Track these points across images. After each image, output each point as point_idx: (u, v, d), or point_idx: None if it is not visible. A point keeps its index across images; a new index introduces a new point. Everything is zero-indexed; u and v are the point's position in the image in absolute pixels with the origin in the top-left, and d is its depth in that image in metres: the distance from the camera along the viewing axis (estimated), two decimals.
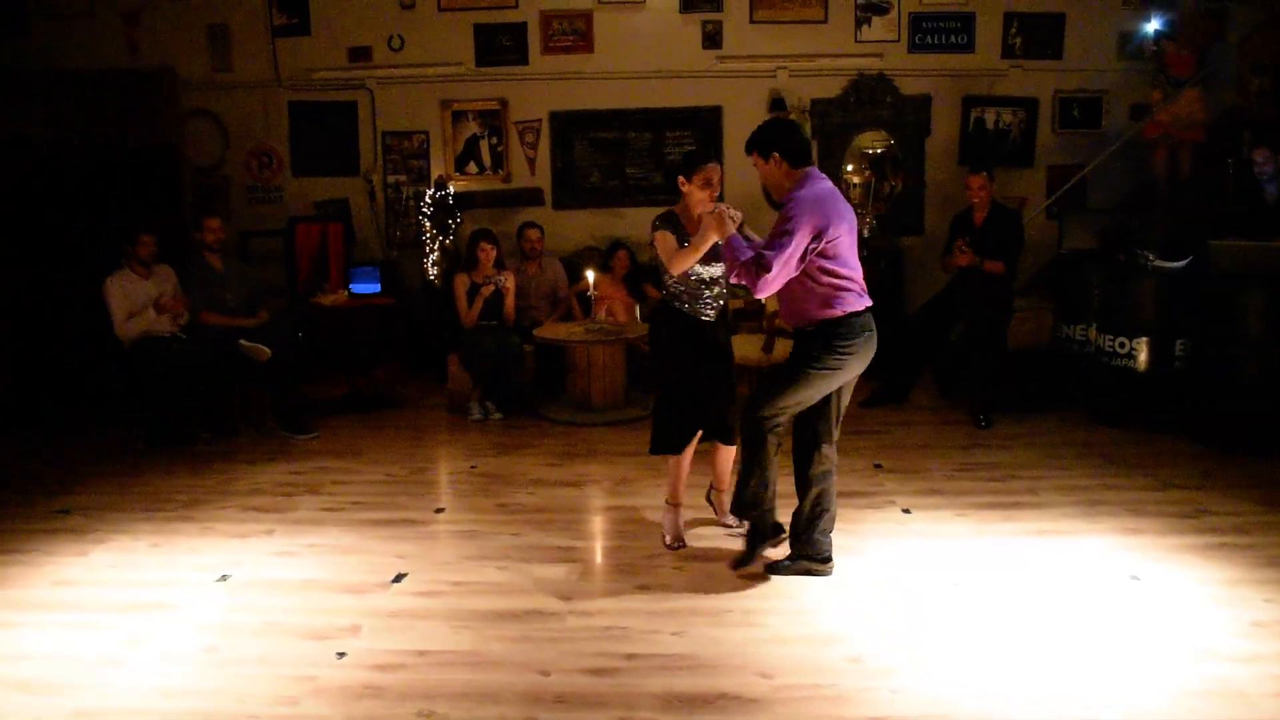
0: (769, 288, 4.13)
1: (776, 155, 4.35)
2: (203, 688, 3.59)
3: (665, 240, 4.71)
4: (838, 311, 4.26)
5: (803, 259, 4.14)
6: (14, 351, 7.80)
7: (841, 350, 4.27)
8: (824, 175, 4.38)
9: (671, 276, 4.74)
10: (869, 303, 4.40)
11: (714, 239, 4.43)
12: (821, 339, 4.27)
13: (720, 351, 4.91)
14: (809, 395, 4.37)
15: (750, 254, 4.17)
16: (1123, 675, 3.50)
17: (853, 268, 4.31)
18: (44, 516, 5.53)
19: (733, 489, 4.73)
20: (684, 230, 4.75)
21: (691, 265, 4.62)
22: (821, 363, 4.27)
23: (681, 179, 4.78)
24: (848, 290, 4.28)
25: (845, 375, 4.38)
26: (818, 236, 4.12)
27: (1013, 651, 3.69)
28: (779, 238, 4.10)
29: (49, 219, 8.90)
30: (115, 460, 6.64)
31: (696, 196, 4.72)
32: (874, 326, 4.40)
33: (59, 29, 9.28)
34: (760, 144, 4.41)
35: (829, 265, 4.21)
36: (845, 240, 4.24)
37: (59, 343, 8.16)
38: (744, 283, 4.20)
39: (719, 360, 4.89)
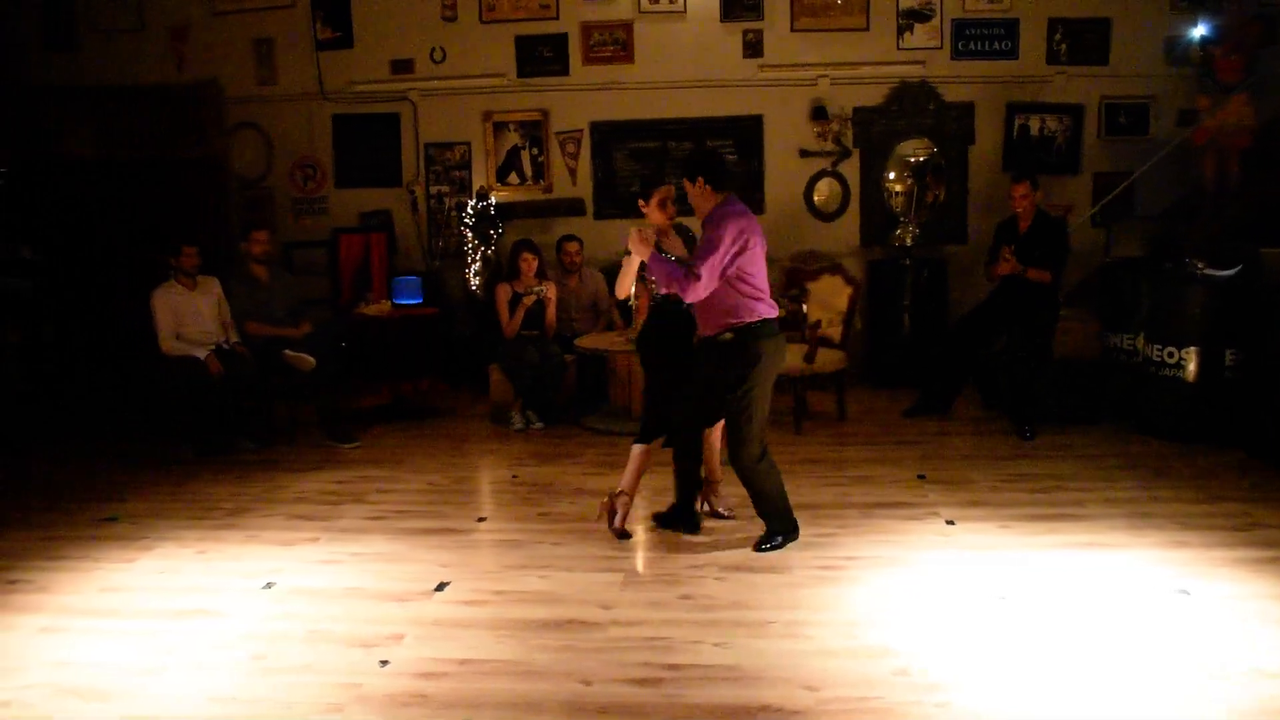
0: (698, 294, 4.65)
1: (701, 179, 4.82)
2: (248, 694, 3.62)
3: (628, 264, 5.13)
4: (754, 317, 4.76)
5: (727, 268, 4.66)
6: (64, 362, 7.92)
7: (759, 349, 4.77)
8: (740, 201, 4.92)
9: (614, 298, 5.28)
10: (777, 311, 4.93)
11: (639, 259, 4.94)
12: (740, 346, 4.77)
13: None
14: (765, 405, 4.91)
15: (677, 265, 4.75)
16: (1172, 692, 3.43)
17: (765, 280, 4.87)
18: (92, 524, 5.61)
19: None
20: (660, 247, 5.03)
21: (630, 283, 5.27)
22: (749, 377, 4.78)
23: (641, 201, 5.17)
24: (759, 300, 4.79)
25: (771, 370, 4.88)
26: (741, 249, 4.67)
27: (1060, 666, 3.64)
28: (706, 248, 4.66)
29: (98, 233, 9.07)
30: (162, 469, 6.73)
31: (655, 217, 5.11)
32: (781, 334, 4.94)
33: (107, 44, 9.44)
34: (689, 169, 4.89)
35: (747, 276, 4.73)
36: (760, 254, 4.82)
37: (107, 354, 8.30)
38: (674, 290, 4.75)
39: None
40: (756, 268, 4.78)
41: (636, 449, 5.18)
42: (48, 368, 7.26)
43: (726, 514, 5.40)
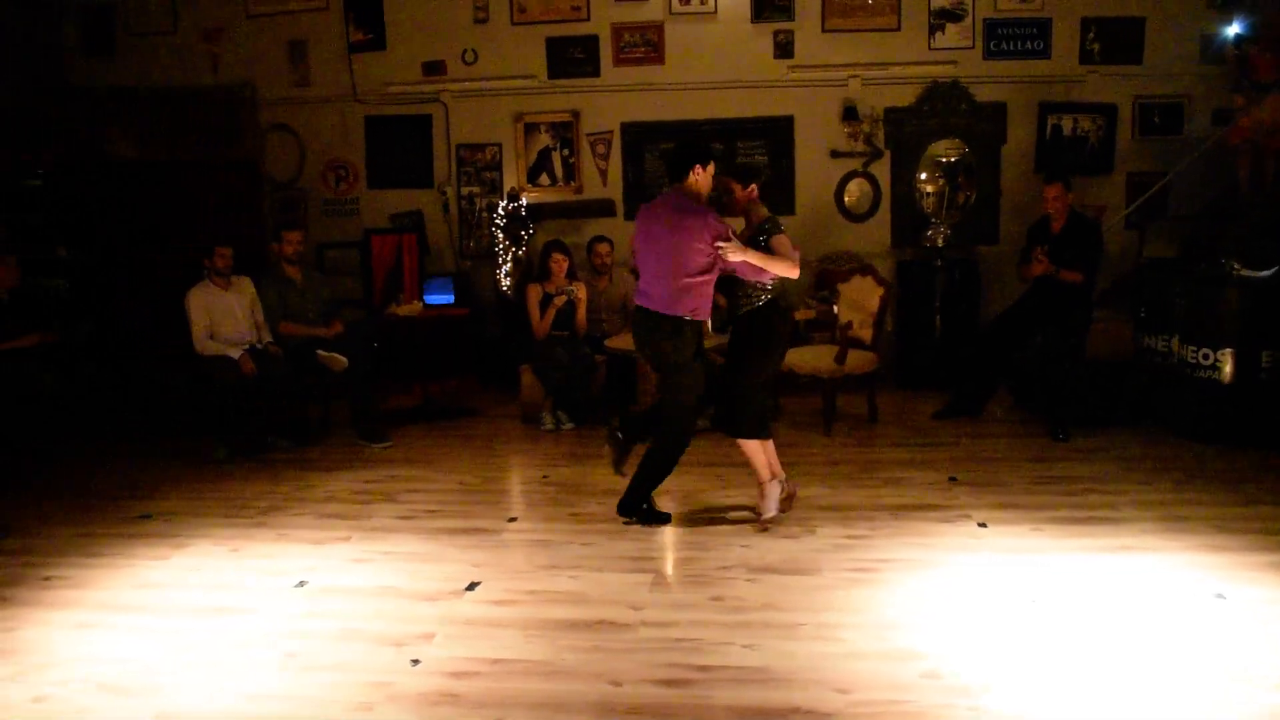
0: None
1: (754, 186, 5.31)
2: (281, 692, 3.65)
3: (782, 242, 5.15)
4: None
5: None
6: (100, 361, 8.02)
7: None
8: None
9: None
10: None
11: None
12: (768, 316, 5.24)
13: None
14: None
15: (764, 255, 5.06)
16: (1208, 698, 3.40)
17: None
18: (127, 521, 5.69)
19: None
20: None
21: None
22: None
23: (739, 186, 5.33)
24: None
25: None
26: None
27: (1094, 671, 3.61)
28: (782, 242, 5.11)
29: (134, 233, 9.18)
30: (196, 467, 6.80)
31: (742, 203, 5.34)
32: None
33: (144, 47, 9.57)
34: (744, 176, 5.36)
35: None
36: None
37: (143, 353, 8.39)
38: (779, 272, 5.08)
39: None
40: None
41: (751, 444, 5.30)
42: (84, 366, 7.34)
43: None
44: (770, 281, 5.20)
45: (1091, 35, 8.83)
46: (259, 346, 7.18)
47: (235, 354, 6.97)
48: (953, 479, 6.05)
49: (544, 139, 9.47)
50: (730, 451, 5.64)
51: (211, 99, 9.51)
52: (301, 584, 4.67)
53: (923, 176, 8.70)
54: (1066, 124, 8.98)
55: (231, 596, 4.54)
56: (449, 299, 8.55)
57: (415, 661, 3.84)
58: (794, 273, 5.10)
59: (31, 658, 3.96)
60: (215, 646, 4.03)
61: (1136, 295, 7.80)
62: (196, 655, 3.95)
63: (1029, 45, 8.90)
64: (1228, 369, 6.68)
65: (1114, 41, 8.81)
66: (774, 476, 5.34)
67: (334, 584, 4.68)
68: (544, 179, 9.52)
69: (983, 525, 5.21)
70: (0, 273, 7.03)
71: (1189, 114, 8.84)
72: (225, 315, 7.16)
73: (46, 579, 4.80)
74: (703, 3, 9.05)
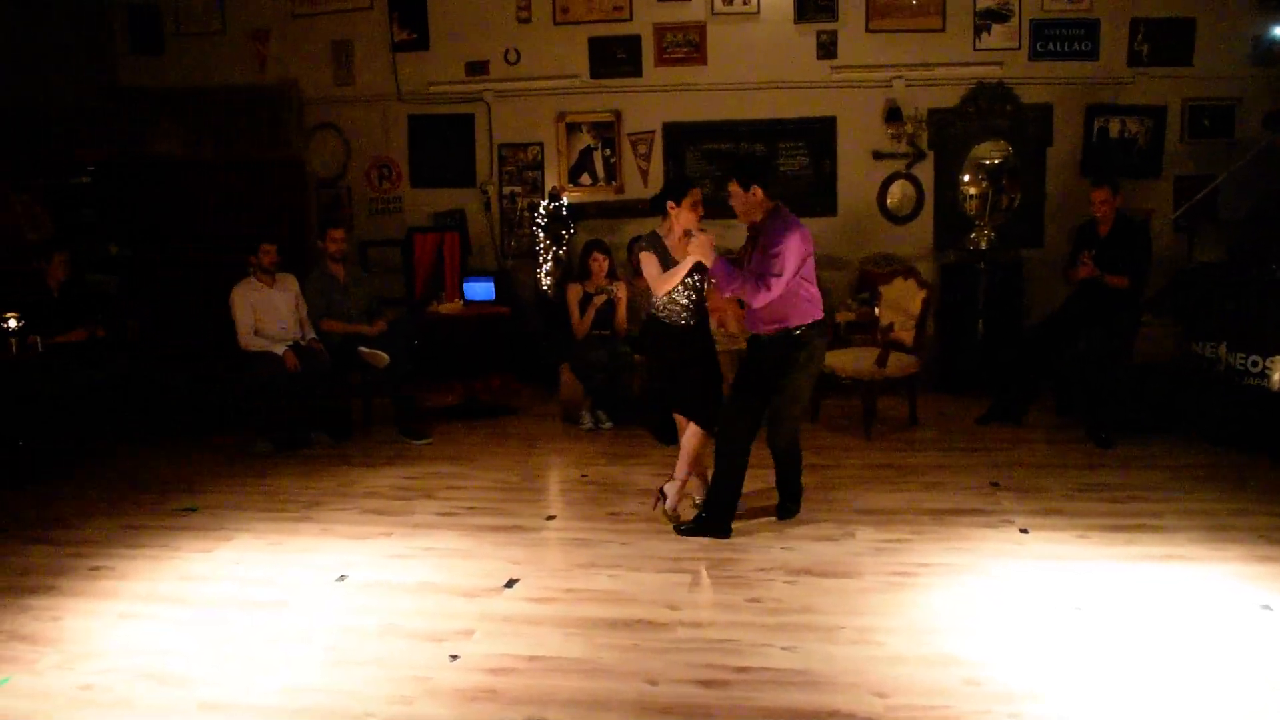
0: (766, 300, 4.90)
1: (757, 187, 5.01)
2: (321, 685, 3.69)
3: (650, 261, 5.21)
4: (810, 319, 5.08)
5: (791, 279, 4.90)
6: (148, 356, 8.12)
7: (814, 345, 5.13)
8: (789, 210, 5.11)
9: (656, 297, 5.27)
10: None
11: (696, 261, 5.04)
12: (794, 342, 5.05)
13: (709, 351, 5.48)
14: (807, 395, 5.38)
15: (745, 273, 4.96)
16: (1251, 710, 3.35)
17: (816, 284, 5.17)
18: (172, 514, 5.77)
19: (693, 483, 5.48)
20: (665, 250, 5.24)
21: (674, 287, 5.16)
22: (802, 365, 5.09)
23: (671, 203, 5.25)
24: (814, 303, 5.11)
25: (819, 362, 5.32)
26: (803, 260, 4.94)
27: (1137, 681, 3.56)
28: (775, 259, 4.86)
29: (182, 230, 9.31)
30: (239, 462, 6.88)
31: (685, 218, 5.19)
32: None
33: (192, 47, 9.71)
34: (743, 174, 5.07)
35: (805, 283, 5.04)
36: (812, 261, 5.08)
37: (189, 349, 8.50)
38: (740, 295, 5.01)
39: (708, 358, 5.45)
40: (811, 275, 5.09)
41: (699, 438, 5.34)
42: (131, 361, 7.44)
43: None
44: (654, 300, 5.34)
45: (1140, 36, 8.71)
46: (302, 343, 7.25)
47: (279, 350, 7.04)
48: (994, 484, 5.99)
49: (585, 139, 9.49)
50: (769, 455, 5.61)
51: (258, 98, 9.62)
52: (342, 579, 4.71)
53: (965, 179, 8.64)
54: (1114, 126, 8.86)
55: (273, 590, 4.59)
56: (490, 297, 8.59)
57: (454, 657, 3.86)
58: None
59: (77, 646, 4.03)
60: (256, 639, 4.08)
61: (1183, 300, 7.69)
62: (238, 647, 4.00)
63: (1076, 46, 8.80)
64: (1277, 377, 6.57)
65: (1163, 42, 8.69)
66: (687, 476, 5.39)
67: (374, 579, 4.72)
68: (585, 179, 9.54)
69: (1024, 531, 5.16)
70: (52, 269, 7.17)
71: (1239, 116, 8.69)
72: (270, 312, 7.24)
73: (92, 569, 4.88)
74: (745, 3, 9.03)
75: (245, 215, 9.20)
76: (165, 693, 3.63)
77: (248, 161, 9.56)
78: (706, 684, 3.62)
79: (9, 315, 6.59)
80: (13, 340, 6.59)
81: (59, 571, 4.85)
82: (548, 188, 9.36)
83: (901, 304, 7.61)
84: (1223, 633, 3.95)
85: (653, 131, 9.39)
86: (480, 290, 8.60)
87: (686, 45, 9.18)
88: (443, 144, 9.65)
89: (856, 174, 9.15)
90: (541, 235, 9.04)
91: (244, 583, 4.71)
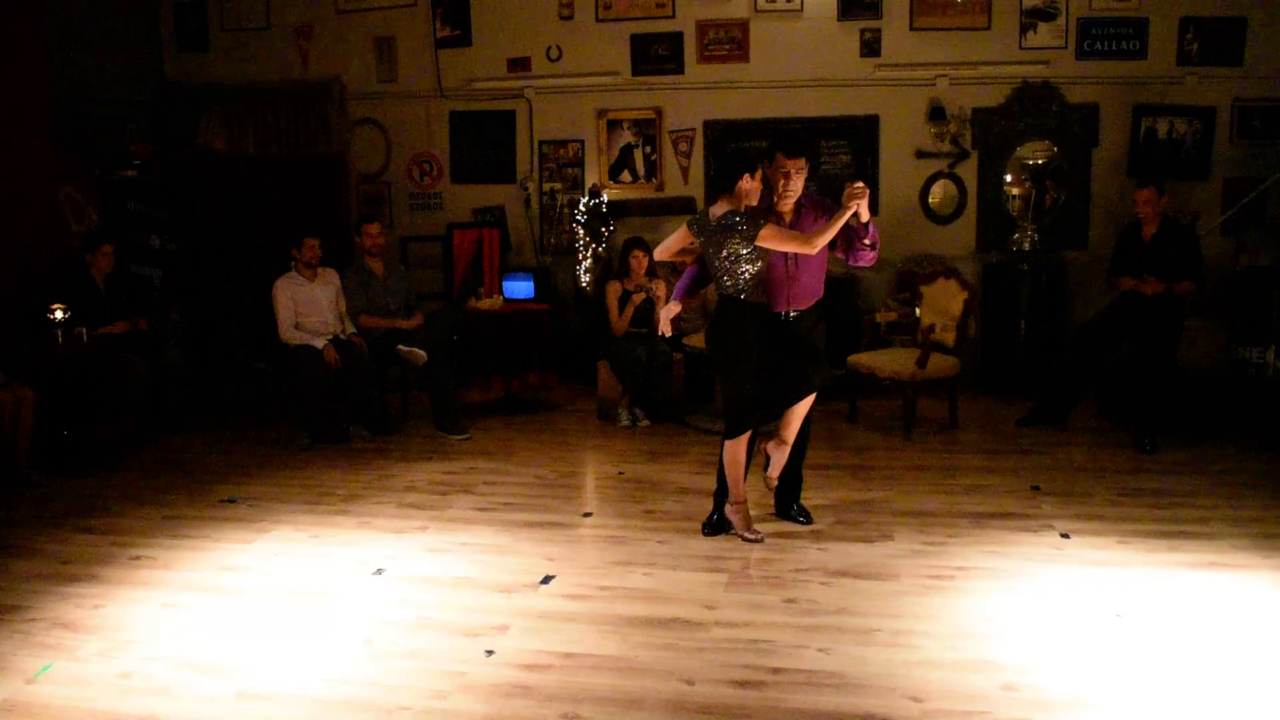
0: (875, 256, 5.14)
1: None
2: (357, 676, 3.70)
3: (683, 237, 5.32)
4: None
5: None
6: (191, 348, 8.22)
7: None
8: None
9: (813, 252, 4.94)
10: None
11: (851, 211, 4.78)
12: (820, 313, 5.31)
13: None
14: None
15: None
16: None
17: None
18: (213, 505, 5.82)
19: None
20: (712, 230, 4.97)
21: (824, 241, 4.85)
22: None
23: (747, 175, 4.87)
24: None
25: None
26: None
27: (1180, 691, 3.49)
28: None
29: (226, 224, 9.41)
30: (280, 454, 6.95)
31: (754, 193, 4.94)
32: None
33: (236, 42, 9.83)
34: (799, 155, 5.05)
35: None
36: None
37: (231, 341, 8.59)
38: (877, 245, 5.03)
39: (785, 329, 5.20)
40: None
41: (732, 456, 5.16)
42: (174, 353, 7.53)
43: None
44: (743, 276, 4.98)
45: (1190, 35, 8.58)
46: (343, 337, 7.30)
47: (319, 344, 7.09)
48: (1035, 488, 5.92)
49: (626, 136, 9.49)
50: (810, 454, 5.57)
51: (301, 94, 9.70)
52: (380, 572, 4.73)
53: (1009, 179, 8.55)
54: (1162, 127, 8.73)
55: (312, 582, 4.62)
56: (529, 294, 8.62)
57: (489, 652, 3.86)
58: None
59: (118, 635, 4.08)
60: (295, 630, 4.10)
61: (1231, 305, 7.57)
62: (277, 638, 4.03)
63: (1124, 45, 8.68)
64: None
65: (1213, 42, 8.55)
66: (737, 500, 5.16)
67: (411, 573, 4.74)
68: (625, 176, 9.54)
69: (1065, 536, 5.09)
70: (97, 261, 7.26)
71: None
72: (310, 306, 7.29)
73: (134, 558, 4.93)
74: (789, 1, 8.98)
75: (288, 209, 9.29)
76: (204, 681, 3.66)
77: (290, 157, 9.64)
78: (741, 684, 3.60)
79: (56, 307, 6.68)
80: (59, 331, 6.67)
81: (102, 560, 4.91)
82: (588, 185, 9.38)
83: (943, 305, 7.54)
84: (1268, 643, 3.87)
85: (693, 129, 9.38)
86: (520, 288, 8.63)
87: (729, 42, 9.16)
88: (484, 140, 9.69)
89: (899, 173, 9.09)
90: (581, 232, 9.05)
91: (283, 574, 4.74)
